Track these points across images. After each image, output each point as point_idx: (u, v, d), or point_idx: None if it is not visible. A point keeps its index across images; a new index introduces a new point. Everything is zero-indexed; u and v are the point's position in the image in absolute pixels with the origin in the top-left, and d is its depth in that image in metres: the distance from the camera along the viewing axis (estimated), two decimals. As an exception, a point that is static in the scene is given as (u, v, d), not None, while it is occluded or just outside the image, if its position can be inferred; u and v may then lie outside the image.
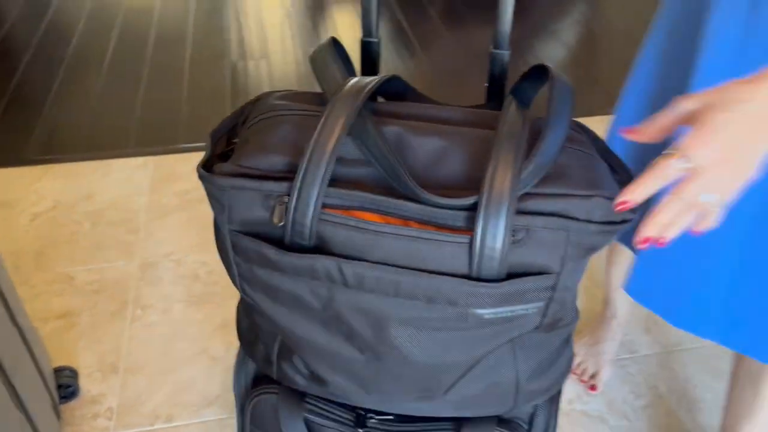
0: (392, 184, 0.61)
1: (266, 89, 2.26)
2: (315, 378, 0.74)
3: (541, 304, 0.62)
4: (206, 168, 0.64)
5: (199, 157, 1.91)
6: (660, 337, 1.41)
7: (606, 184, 0.63)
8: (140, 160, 1.90)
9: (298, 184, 0.59)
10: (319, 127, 0.61)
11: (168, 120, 2.09)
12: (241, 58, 2.44)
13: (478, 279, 0.59)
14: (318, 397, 0.79)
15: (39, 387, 1.05)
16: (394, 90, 0.78)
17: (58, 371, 1.24)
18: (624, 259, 1.21)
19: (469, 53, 2.51)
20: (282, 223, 0.61)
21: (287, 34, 2.62)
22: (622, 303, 1.29)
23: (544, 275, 0.61)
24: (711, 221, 0.56)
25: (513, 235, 0.59)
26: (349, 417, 0.79)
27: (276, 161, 0.62)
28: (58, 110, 2.12)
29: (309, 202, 0.59)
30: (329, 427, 0.79)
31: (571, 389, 1.30)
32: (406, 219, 0.60)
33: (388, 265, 0.60)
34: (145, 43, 2.53)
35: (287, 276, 0.63)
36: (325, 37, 2.62)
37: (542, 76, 0.70)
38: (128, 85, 2.27)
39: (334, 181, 0.61)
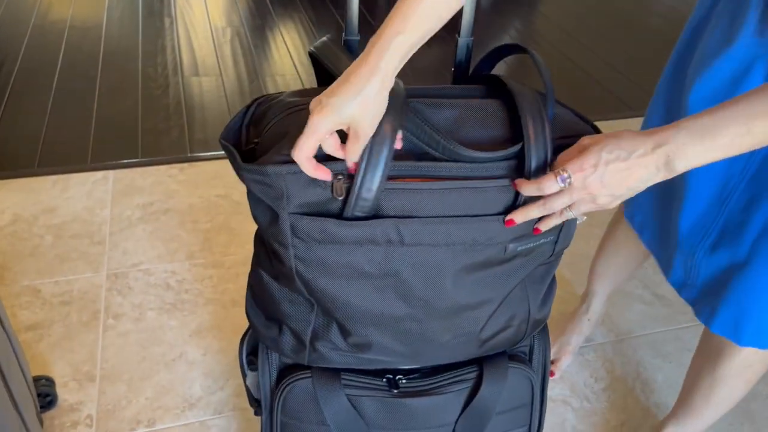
0: (430, 150, 0.71)
1: (220, 104, 2.29)
2: (357, 346, 0.80)
3: (553, 236, 0.76)
4: (236, 161, 0.69)
5: (158, 170, 1.92)
6: (612, 326, 1.51)
7: (583, 128, 0.77)
8: (99, 174, 1.89)
9: (364, 162, 0.66)
10: None
11: (125, 134, 2.09)
12: (194, 74, 2.46)
13: None
14: (350, 370, 0.86)
15: (26, 393, 1.05)
16: None
17: (36, 380, 1.23)
18: (612, 256, 1.29)
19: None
20: (342, 197, 0.67)
21: (237, 51, 2.66)
22: (599, 301, 1.37)
23: None
24: (550, 224, 0.72)
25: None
26: (382, 383, 0.86)
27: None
28: (9, 125, 2.09)
29: (375, 177, 0.67)
30: (366, 396, 0.85)
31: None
32: (444, 178, 0.70)
33: (439, 216, 0.70)
34: (95, 60, 2.51)
35: (345, 247, 0.70)
36: (275, 53, 2.67)
37: (499, 54, 0.83)
38: (81, 100, 2.25)
39: None
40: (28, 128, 2.08)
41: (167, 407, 1.27)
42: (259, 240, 0.81)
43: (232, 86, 2.41)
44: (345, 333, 0.80)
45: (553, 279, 0.91)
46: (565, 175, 0.66)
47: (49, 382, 1.26)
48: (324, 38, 0.82)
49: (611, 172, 0.66)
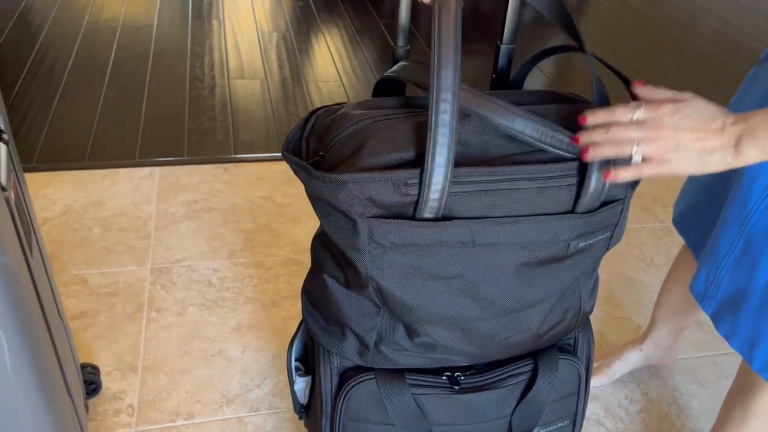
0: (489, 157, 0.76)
1: (265, 107, 2.33)
2: (423, 346, 0.83)
3: (611, 229, 0.81)
4: (310, 173, 0.73)
5: (203, 169, 1.97)
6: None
7: None
8: (146, 170, 1.94)
9: (428, 161, 0.70)
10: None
11: (171, 133, 2.14)
12: (240, 77, 2.51)
13: (579, 213, 0.77)
14: (412, 370, 0.89)
15: (76, 380, 1.08)
16: None
17: (82, 368, 1.27)
18: (674, 287, 1.28)
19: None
20: (411, 201, 0.71)
21: (282, 56, 2.70)
22: (658, 333, 1.35)
23: (618, 201, 0.79)
24: (621, 176, 0.71)
25: None
26: (444, 380, 0.89)
27: (399, 155, 0.73)
28: (62, 120, 2.15)
29: (439, 180, 0.70)
30: (430, 395, 0.88)
31: (570, 394, 1.39)
32: (513, 180, 0.74)
33: (510, 216, 0.74)
34: (146, 59, 2.58)
35: (419, 249, 0.74)
36: (319, 59, 2.71)
37: (549, 53, 0.90)
38: (130, 98, 2.31)
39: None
40: (80, 123, 2.15)
41: (206, 401, 1.30)
42: (323, 247, 0.84)
43: (276, 90, 2.45)
44: (412, 334, 0.83)
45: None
46: (642, 107, 0.69)
47: (95, 369, 1.29)
48: (402, 63, 0.86)
49: (687, 126, 0.68)
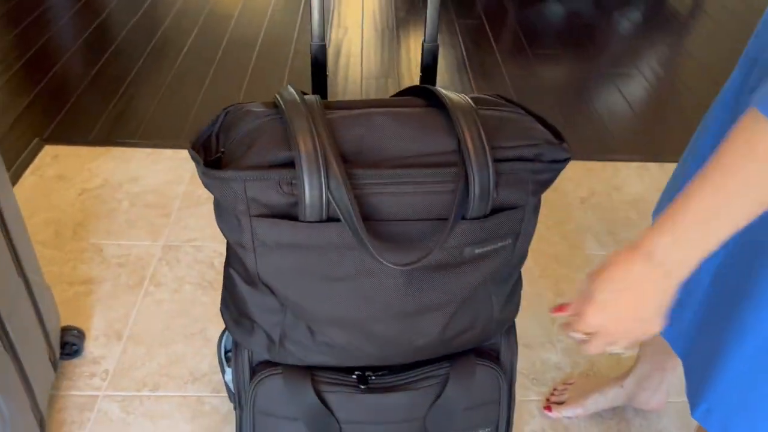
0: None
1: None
2: (323, 346, 0.84)
3: (513, 236, 0.80)
4: (200, 169, 0.74)
5: (241, 155, 2.03)
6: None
7: (544, 134, 0.81)
8: (186, 152, 2.04)
9: (303, 170, 0.71)
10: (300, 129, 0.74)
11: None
12: (305, 71, 2.58)
13: (471, 219, 0.76)
14: (320, 367, 0.89)
15: (35, 334, 1.17)
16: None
17: (67, 330, 1.36)
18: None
19: (528, 86, 2.55)
20: (296, 201, 0.72)
21: (354, 53, 2.74)
22: (642, 368, 1.25)
23: (515, 209, 0.78)
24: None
25: (497, 179, 0.75)
26: (352, 379, 0.90)
27: (286, 154, 0.73)
28: (128, 99, 2.31)
29: (313, 182, 0.71)
30: (336, 392, 0.89)
31: (537, 422, 1.31)
32: (399, 183, 0.74)
33: (394, 220, 0.74)
34: (218, 46, 2.71)
35: (304, 251, 0.74)
36: (394, 57, 2.71)
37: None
38: (193, 82, 2.44)
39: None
40: (142, 103, 2.29)
41: (173, 376, 1.35)
42: (228, 242, 0.86)
43: (334, 85, 2.49)
44: (312, 332, 0.83)
45: (518, 279, 0.92)
46: (578, 335, 0.68)
47: (80, 333, 1.39)
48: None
49: (616, 312, 0.64)
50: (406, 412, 0.92)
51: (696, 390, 0.84)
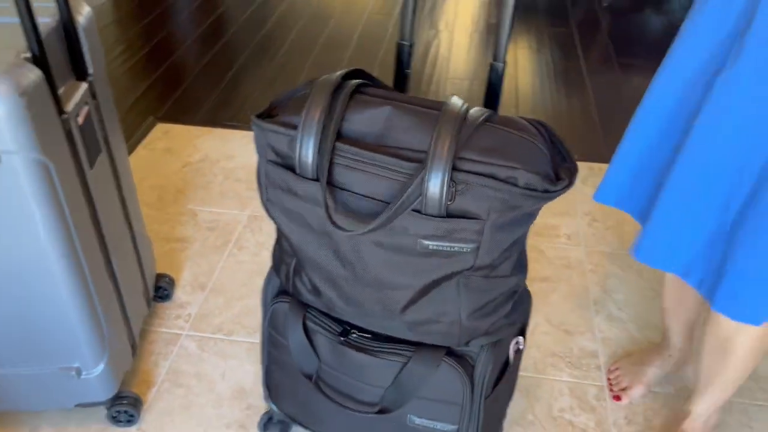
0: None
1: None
2: (314, 291, 0.99)
3: (472, 245, 0.85)
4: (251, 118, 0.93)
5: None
6: (677, 380, 1.45)
7: (535, 163, 0.84)
8: (279, 136, 2.25)
9: (300, 132, 0.86)
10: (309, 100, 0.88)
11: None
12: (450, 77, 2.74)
13: (427, 215, 0.83)
14: (317, 309, 1.04)
15: (135, 275, 1.39)
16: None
17: (161, 276, 1.59)
18: (677, 288, 1.31)
19: (611, 98, 2.60)
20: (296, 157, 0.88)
21: (443, 54, 2.88)
22: (676, 336, 1.38)
23: (474, 220, 0.83)
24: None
25: (455, 186, 0.82)
26: (337, 329, 1.03)
27: (295, 119, 0.88)
28: (232, 87, 2.56)
29: (309, 146, 0.86)
30: (320, 334, 1.03)
31: (567, 400, 1.41)
32: (376, 165, 0.85)
33: (366, 196, 0.85)
34: (315, 43, 2.93)
35: (298, 199, 0.89)
36: (481, 61, 2.83)
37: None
38: (290, 75, 2.66)
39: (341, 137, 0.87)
40: (245, 91, 2.54)
41: (244, 325, 1.55)
42: None
43: (424, 86, 2.64)
44: (308, 277, 0.98)
45: (514, 306, 0.99)
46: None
47: (171, 281, 1.61)
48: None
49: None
50: (372, 376, 1.02)
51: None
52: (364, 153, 0.85)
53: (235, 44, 2.91)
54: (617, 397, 1.40)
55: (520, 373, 1.45)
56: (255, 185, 2.01)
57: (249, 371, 1.44)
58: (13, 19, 0.98)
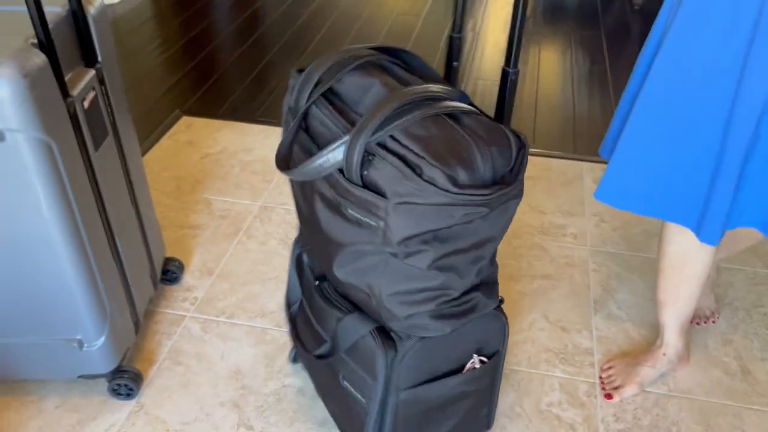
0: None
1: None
2: (301, 230, 1.17)
3: (381, 222, 0.90)
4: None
5: (342, 138, 2.28)
6: (672, 380, 1.45)
7: (450, 163, 0.87)
8: (298, 131, 2.31)
9: (298, 83, 1.01)
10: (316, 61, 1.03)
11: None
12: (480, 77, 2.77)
13: (347, 180, 0.93)
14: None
15: (141, 256, 1.45)
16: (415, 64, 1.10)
17: (170, 260, 1.65)
18: (672, 282, 1.32)
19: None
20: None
21: (471, 55, 2.90)
22: (671, 333, 1.39)
23: (381, 197, 0.89)
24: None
25: (369, 157, 0.90)
26: (311, 274, 1.19)
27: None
28: (257, 82, 2.63)
29: (297, 91, 1.03)
30: (306, 276, 1.21)
31: (557, 395, 1.41)
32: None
33: (318, 145, 0.99)
34: (343, 42, 2.98)
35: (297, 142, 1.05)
36: (523, 56, 2.84)
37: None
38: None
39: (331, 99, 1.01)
40: (265, 85, 2.60)
41: (246, 309, 1.60)
42: None
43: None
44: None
45: (460, 315, 1.02)
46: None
47: (180, 265, 1.67)
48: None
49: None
50: (325, 321, 1.13)
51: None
52: (331, 109, 0.96)
53: (266, 40, 2.98)
54: (609, 396, 1.40)
55: (513, 367, 1.47)
56: (269, 177, 2.07)
57: (247, 353, 1.49)
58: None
